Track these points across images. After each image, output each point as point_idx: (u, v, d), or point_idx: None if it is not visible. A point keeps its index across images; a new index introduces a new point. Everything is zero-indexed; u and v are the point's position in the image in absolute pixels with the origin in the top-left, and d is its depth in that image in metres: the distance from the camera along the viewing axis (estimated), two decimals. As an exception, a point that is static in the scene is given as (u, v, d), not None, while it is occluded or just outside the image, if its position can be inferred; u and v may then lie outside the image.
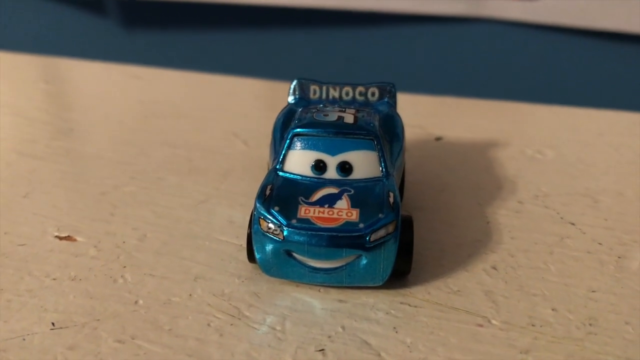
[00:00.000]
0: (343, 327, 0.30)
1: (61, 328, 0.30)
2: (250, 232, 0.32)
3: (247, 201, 0.41)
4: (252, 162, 0.47)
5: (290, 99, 0.41)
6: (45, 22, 0.79)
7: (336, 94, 0.40)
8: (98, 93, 0.61)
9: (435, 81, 0.68)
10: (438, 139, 0.51)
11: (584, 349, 0.29)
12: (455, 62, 0.67)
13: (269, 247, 0.31)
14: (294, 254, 0.31)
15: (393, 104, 0.40)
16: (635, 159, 0.47)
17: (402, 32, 0.68)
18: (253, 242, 0.32)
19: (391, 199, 0.32)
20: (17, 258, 0.35)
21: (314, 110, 0.36)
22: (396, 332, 0.30)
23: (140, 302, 0.32)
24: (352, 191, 0.32)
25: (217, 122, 0.54)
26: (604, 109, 0.57)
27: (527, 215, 0.40)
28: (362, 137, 0.34)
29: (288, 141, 0.34)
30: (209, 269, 0.34)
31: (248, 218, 0.34)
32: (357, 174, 0.33)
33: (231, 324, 0.30)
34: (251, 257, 0.33)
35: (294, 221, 0.31)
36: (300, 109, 0.38)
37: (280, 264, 0.32)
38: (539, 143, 0.50)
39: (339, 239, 0.30)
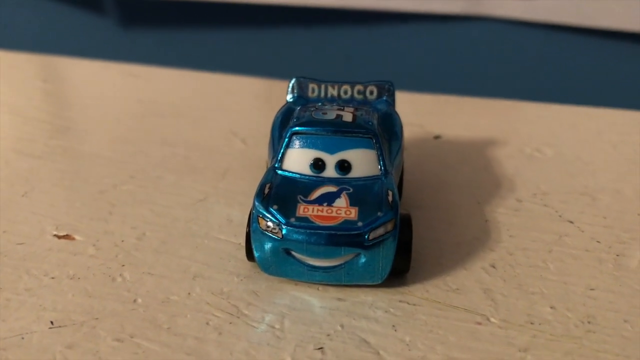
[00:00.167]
0: (342, 326, 0.30)
1: (60, 327, 0.30)
2: (249, 230, 0.32)
3: (245, 200, 0.41)
4: (250, 160, 0.46)
5: (289, 98, 0.41)
6: (43, 21, 0.78)
7: (335, 93, 0.40)
8: (96, 92, 0.61)
9: (434, 79, 0.68)
10: (437, 137, 0.51)
11: (582, 347, 0.29)
12: (454, 61, 0.67)
13: (268, 246, 0.31)
14: (293, 253, 0.31)
15: (392, 103, 0.40)
16: (634, 157, 0.47)
17: (401, 31, 0.68)
18: (252, 241, 0.32)
19: (390, 198, 0.32)
20: (15, 257, 0.35)
21: (312, 109, 0.36)
22: (395, 330, 0.30)
23: (139, 300, 0.32)
24: (351, 189, 0.32)
25: (215, 121, 0.54)
26: (603, 107, 0.57)
27: (526, 213, 0.40)
28: (360, 135, 0.34)
29: (287, 140, 0.34)
30: (207, 268, 0.34)
31: (247, 217, 0.34)
32: (356, 172, 0.33)
33: (230, 323, 0.30)
34: (250, 255, 0.33)
35: (292, 220, 0.31)
36: (298, 108, 0.38)
37: (279, 262, 0.32)
38: (538, 141, 0.50)
39: (338, 238, 0.30)
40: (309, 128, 0.34)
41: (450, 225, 0.38)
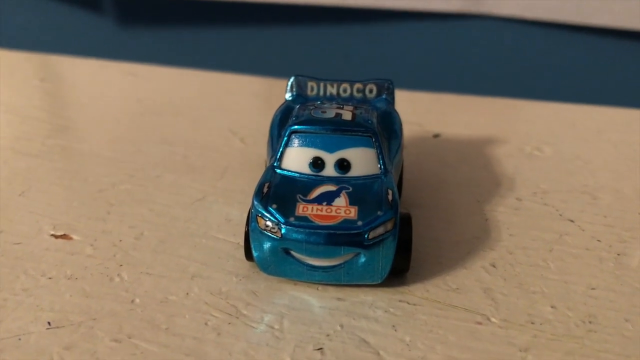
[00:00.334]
0: (341, 326, 0.30)
1: (57, 327, 0.30)
2: (248, 230, 0.32)
3: (244, 199, 0.40)
4: (249, 159, 0.46)
5: (288, 96, 0.41)
6: (41, 20, 0.78)
7: (334, 91, 0.40)
8: (94, 91, 0.61)
9: (434, 78, 0.68)
10: (436, 136, 0.51)
11: (583, 346, 0.29)
12: (453, 59, 0.67)
13: (267, 245, 0.31)
14: (292, 252, 0.31)
15: (391, 101, 0.40)
16: (633, 156, 0.47)
17: (400, 29, 0.67)
18: (250, 240, 0.32)
19: (390, 197, 0.32)
20: (12, 257, 0.35)
21: (311, 107, 0.36)
22: (395, 330, 0.30)
23: (137, 300, 0.32)
24: (351, 188, 0.32)
25: (214, 120, 0.54)
26: (602, 105, 0.57)
27: (526, 212, 0.40)
28: (360, 134, 0.33)
29: (286, 138, 0.34)
30: (206, 268, 0.34)
31: (245, 216, 0.34)
32: (356, 171, 0.33)
33: (229, 323, 0.30)
34: (249, 255, 0.33)
35: (291, 219, 0.30)
36: (297, 106, 0.37)
37: (278, 262, 0.31)
38: (537, 140, 0.50)
39: (337, 237, 0.30)
40: (308, 127, 0.34)
41: (450, 224, 0.38)
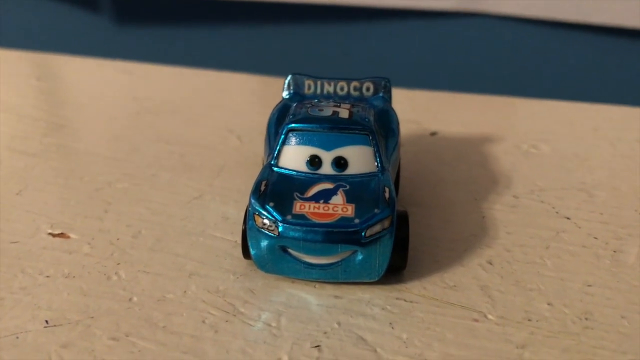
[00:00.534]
0: (339, 323, 0.30)
1: (55, 326, 0.30)
2: (245, 228, 0.32)
3: (241, 197, 0.41)
4: (246, 158, 0.46)
5: (285, 94, 0.41)
6: (37, 18, 0.78)
7: (331, 89, 0.40)
8: (91, 89, 0.61)
9: (431, 76, 0.68)
10: (433, 134, 0.51)
11: (580, 343, 0.29)
12: (451, 57, 0.67)
13: (264, 243, 0.31)
14: (289, 250, 0.31)
15: (388, 99, 0.40)
16: (630, 153, 0.47)
17: (397, 27, 0.67)
18: (248, 238, 0.32)
19: (387, 194, 0.32)
20: (10, 255, 0.35)
21: (308, 106, 0.36)
22: (392, 327, 0.30)
23: (135, 299, 0.32)
24: (348, 186, 0.32)
25: (211, 118, 0.54)
26: (599, 103, 0.57)
27: (523, 209, 0.40)
28: (357, 132, 0.34)
29: (283, 136, 0.34)
30: (203, 266, 0.34)
31: (242, 214, 0.34)
32: (353, 169, 0.33)
33: (226, 321, 0.30)
34: (246, 253, 0.33)
35: (289, 217, 0.30)
36: (294, 104, 0.37)
37: (275, 260, 0.31)
38: (534, 137, 0.50)
39: (335, 235, 0.30)
40: (305, 125, 0.34)
41: (447, 222, 0.38)
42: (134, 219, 0.38)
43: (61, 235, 0.37)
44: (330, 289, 0.32)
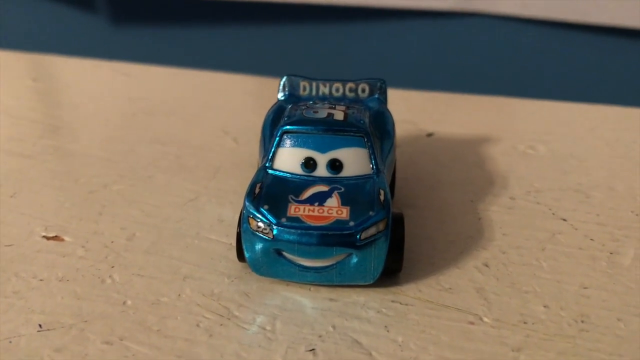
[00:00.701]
0: (334, 327, 0.30)
1: (48, 330, 0.30)
2: (240, 231, 0.32)
3: (237, 199, 0.40)
4: (242, 159, 0.46)
5: (280, 96, 0.40)
6: (33, 19, 0.78)
7: (326, 91, 0.40)
8: (86, 90, 0.61)
9: (427, 76, 0.68)
10: (429, 135, 0.51)
11: (575, 346, 0.29)
12: (447, 57, 0.67)
13: (259, 246, 0.31)
14: (284, 253, 0.31)
15: (383, 101, 0.40)
16: (626, 154, 0.47)
17: (394, 27, 0.67)
18: (242, 241, 0.32)
19: (382, 197, 0.31)
20: (3, 259, 0.35)
21: (303, 107, 0.36)
22: (387, 330, 0.30)
23: (129, 302, 0.32)
24: (343, 189, 0.32)
25: (206, 119, 0.54)
26: (596, 103, 0.57)
27: (519, 211, 0.40)
28: (352, 134, 0.33)
29: (277, 138, 0.34)
30: (198, 269, 0.34)
31: (238, 216, 0.33)
32: (348, 171, 0.33)
33: (221, 324, 0.30)
34: (241, 256, 0.33)
35: (283, 220, 0.30)
36: (289, 106, 0.37)
37: (270, 263, 0.31)
38: (531, 138, 0.50)
39: (329, 238, 0.30)
40: (300, 127, 0.34)
41: (443, 223, 0.38)
42: (128, 222, 0.38)
43: (55, 238, 0.37)
44: (325, 292, 0.32)
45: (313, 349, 0.29)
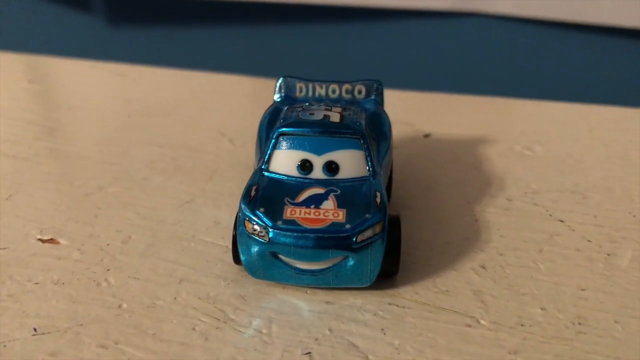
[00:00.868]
0: (330, 330, 0.30)
1: (43, 334, 0.30)
2: (236, 233, 0.32)
3: (233, 201, 0.40)
4: (238, 161, 0.46)
5: (276, 97, 0.40)
6: (29, 20, 0.78)
7: (322, 92, 0.40)
8: (82, 92, 0.61)
9: (424, 77, 0.67)
10: (426, 136, 0.51)
11: (573, 348, 0.29)
12: (444, 58, 0.67)
13: (255, 249, 0.31)
14: (280, 256, 0.31)
15: (380, 102, 0.40)
16: (624, 155, 0.47)
17: (391, 28, 0.67)
18: (238, 244, 0.31)
19: (378, 199, 0.31)
20: (-2, 262, 0.35)
21: (299, 109, 0.36)
22: (384, 333, 0.30)
23: (124, 306, 0.31)
24: (339, 191, 0.32)
25: (202, 121, 0.53)
26: (593, 104, 0.57)
27: (516, 212, 0.39)
28: (348, 136, 0.33)
29: (273, 141, 0.34)
30: (194, 272, 0.34)
31: (234, 218, 0.33)
32: (344, 173, 0.33)
33: (216, 328, 0.30)
34: (237, 259, 0.32)
35: (279, 222, 0.30)
36: (285, 108, 0.37)
37: (266, 265, 0.31)
38: (528, 139, 0.50)
39: (326, 240, 0.30)
40: (296, 129, 0.34)
41: (440, 225, 0.38)
42: (124, 224, 0.38)
43: (51, 241, 0.36)
44: (321, 295, 0.32)
45: (309, 352, 0.28)
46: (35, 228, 0.38)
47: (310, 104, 0.38)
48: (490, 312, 0.31)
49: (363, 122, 0.35)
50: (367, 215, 0.30)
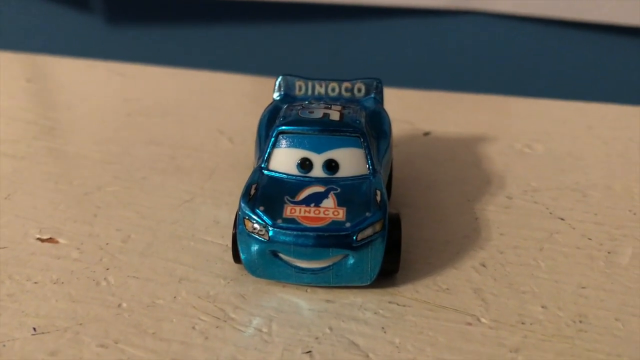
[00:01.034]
0: (330, 328, 0.30)
1: (43, 333, 0.29)
2: (235, 232, 0.32)
3: (233, 200, 0.40)
4: (238, 160, 0.46)
5: (276, 96, 0.40)
6: (27, 19, 0.77)
7: (322, 90, 0.40)
8: (81, 91, 0.61)
9: (424, 75, 0.67)
10: (426, 134, 0.50)
11: (574, 346, 0.29)
12: (444, 56, 0.67)
13: (255, 248, 0.31)
14: (280, 255, 0.31)
15: (380, 100, 0.40)
16: (624, 152, 0.47)
17: (390, 26, 0.67)
18: (238, 243, 0.31)
19: (378, 197, 0.31)
20: (-3, 262, 0.35)
21: (299, 107, 0.36)
22: (384, 332, 0.30)
23: (124, 305, 0.31)
24: (339, 189, 0.32)
25: (202, 120, 0.53)
26: (593, 102, 0.57)
27: (516, 210, 0.39)
28: (348, 134, 0.33)
29: (273, 139, 0.34)
30: (193, 271, 0.34)
31: (234, 217, 0.33)
32: (344, 171, 0.33)
33: (216, 327, 0.30)
34: (237, 257, 0.32)
35: (279, 221, 0.30)
36: (285, 106, 0.37)
37: (266, 264, 0.31)
38: (528, 137, 0.50)
39: (326, 239, 0.30)
40: (296, 127, 0.33)
41: (440, 223, 0.38)
42: (123, 223, 0.38)
43: (50, 240, 0.36)
44: (322, 294, 0.32)
45: (309, 351, 0.28)
46: (35, 227, 0.38)
47: (310, 103, 0.38)
48: (490, 311, 0.31)
49: (363, 120, 0.35)
50: (367, 214, 0.30)
